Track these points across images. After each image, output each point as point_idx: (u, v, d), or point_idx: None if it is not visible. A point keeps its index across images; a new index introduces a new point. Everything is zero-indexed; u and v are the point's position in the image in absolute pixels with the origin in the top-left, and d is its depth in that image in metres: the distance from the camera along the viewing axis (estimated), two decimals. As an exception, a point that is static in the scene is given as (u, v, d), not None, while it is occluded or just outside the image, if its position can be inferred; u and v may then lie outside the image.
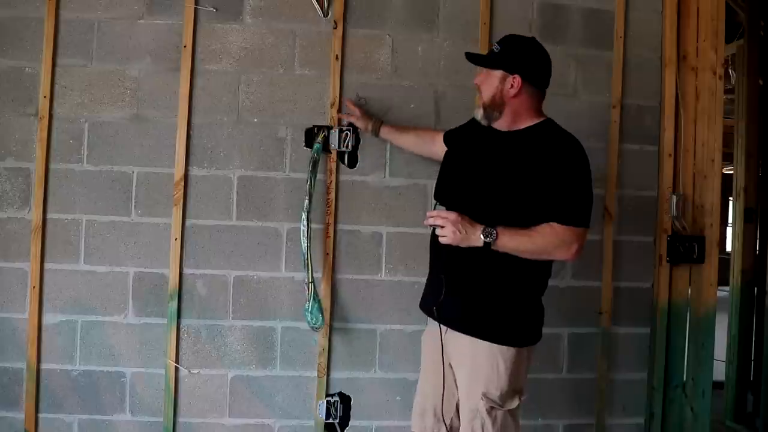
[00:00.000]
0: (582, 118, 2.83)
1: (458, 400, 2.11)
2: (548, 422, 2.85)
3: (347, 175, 2.75)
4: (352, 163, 2.76)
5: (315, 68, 2.75)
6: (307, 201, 2.60)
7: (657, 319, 2.88)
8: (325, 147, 2.71)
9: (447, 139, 2.41)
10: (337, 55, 2.73)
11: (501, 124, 2.07)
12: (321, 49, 2.75)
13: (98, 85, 2.66)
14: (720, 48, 2.91)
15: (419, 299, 2.24)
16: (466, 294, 2.01)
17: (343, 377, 2.75)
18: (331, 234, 2.73)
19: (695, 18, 2.91)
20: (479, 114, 2.08)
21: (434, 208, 2.02)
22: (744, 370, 4.03)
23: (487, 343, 1.98)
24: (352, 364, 2.75)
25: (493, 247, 1.91)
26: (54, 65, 2.63)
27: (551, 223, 1.92)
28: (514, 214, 1.95)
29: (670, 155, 2.88)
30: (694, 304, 2.91)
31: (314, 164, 2.65)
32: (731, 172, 4.28)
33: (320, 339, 2.72)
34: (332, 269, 2.73)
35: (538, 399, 2.82)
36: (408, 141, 2.62)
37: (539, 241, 1.92)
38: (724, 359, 4.01)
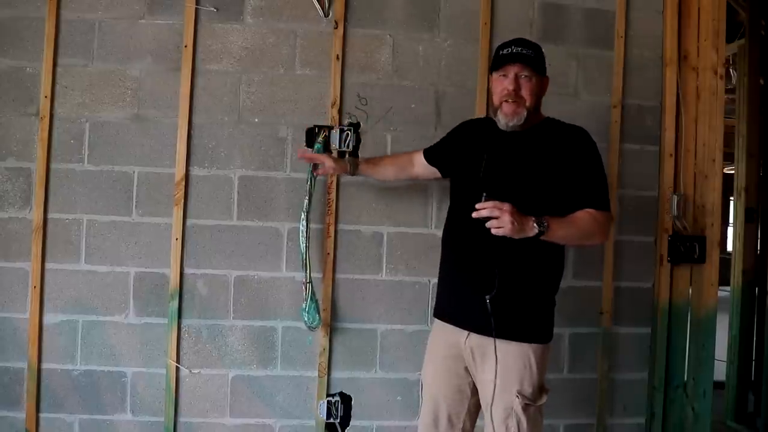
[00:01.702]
0: (583, 119, 2.69)
1: (471, 403, 2.14)
2: (549, 422, 2.77)
3: (348, 175, 2.70)
4: None
5: (316, 68, 2.74)
6: (306, 201, 2.58)
7: (658, 319, 2.87)
8: (326, 147, 2.70)
9: (431, 155, 2.42)
10: (337, 55, 2.73)
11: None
12: (322, 49, 2.74)
13: (99, 84, 2.66)
14: (721, 48, 2.90)
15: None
16: (509, 298, 2.01)
17: (343, 377, 2.74)
18: (332, 234, 2.72)
19: (696, 18, 2.90)
20: (521, 118, 2.06)
21: (482, 200, 1.89)
22: (745, 370, 4.03)
23: (519, 343, 2.01)
24: (353, 364, 2.75)
25: (543, 237, 1.92)
26: (55, 65, 2.63)
27: (587, 209, 2.00)
28: (552, 204, 1.99)
29: (671, 155, 2.88)
30: (695, 304, 2.91)
31: (315, 164, 2.61)
32: (732, 171, 4.27)
33: (321, 339, 2.72)
34: (333, 269, 2.73)
35: (539, 399, 2.83)
36: (387, 171, 2.56)
37: (584, 227, 1.99)
38: (725, 359, 4.01)
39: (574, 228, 1.98)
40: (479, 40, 2.78)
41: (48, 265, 2.63)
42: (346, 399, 2.74)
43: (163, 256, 2.67)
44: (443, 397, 2.16)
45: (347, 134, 2.73)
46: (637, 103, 2.90)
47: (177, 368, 2.67)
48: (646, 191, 2.91)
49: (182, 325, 2.68)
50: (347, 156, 2.62)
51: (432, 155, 2.44)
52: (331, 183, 2.73)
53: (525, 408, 2.00)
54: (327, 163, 2.51)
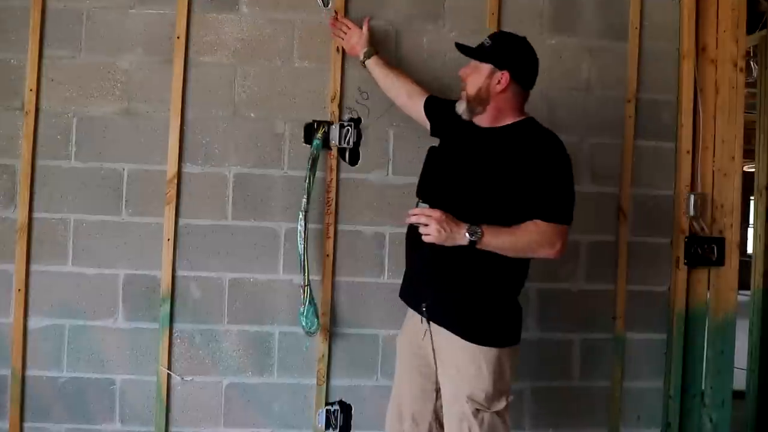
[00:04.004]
0: (596, 113, 2.86)
1: (437, 403, 2.19)
2: (560, 432, 2.85)
3: (348, 173, 2.75)
4: (354, 161, 2.76)
5: (315, 61, 2.74)
6: (305, 200, 2.60)
7: (674, 324, 2.87)
8: (325, 143, 2.71)
9: (429, 107, 2.47)
10: (338, 47, 2.73)
11: (483, 120, 2.15)
12: (321, 40, 2.74)
13: (87, 77, 2.66)
14: (741, 39, 2.90)
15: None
16: (450, 294, 2.09)
17: (343, 385, 2.75)
18: (332, 234, 2.73)
19: (715, 7, 2.89)
20: (462, 107, 2.16)
21: (417, 206, 2.06)
22: (766, 379, 4.00)
23: (469, 344, 2.05)
24: (353, 371, 2.75)
25: (477, 246, 1.97)
26: (41, 57, 2.62)
27: (535, 220, 2.00)
28: (498, 212, 2.02)
29: (688, 152, 2.88)
30: (713, 309, 2.91)
31: (313, 161, 2.64)
32: (752, 169, 4.25)
33: (320, 344, 2.72)
34: (332, 271, 2.73)
35: (549, 408, 2.84)
36: (389, 85, 2.60)
37: (524, 239, 2.00)
38: (745, 367, 3.98)
39: (512, 239, 2.00)
40: (487, 32, 2.68)
41: (33, 267, 2.62)
42: (346, 408, 2.74)
43: (154, 257, 2.67)
44: (407, 395, 2.24)
45: (348, 130, 2.73)
46: (653, 97, 2.90)
47: (168, 375, 2.67)
48: (661, 190, 2.91)
49: (174, 330, 2.68)
50: (366, 59, 2.62)
51: (431, 107, 2.46)
52: (331, 181, 2.73)
53: (476, 413, 2.04)
54: (354, 37, 2.62)
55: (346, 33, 2.65)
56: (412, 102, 2.54)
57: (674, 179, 2.91)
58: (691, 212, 2.87)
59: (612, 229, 2.88)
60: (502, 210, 2.03)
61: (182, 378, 2.69)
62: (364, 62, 2.62)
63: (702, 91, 2.88)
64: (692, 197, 2.86)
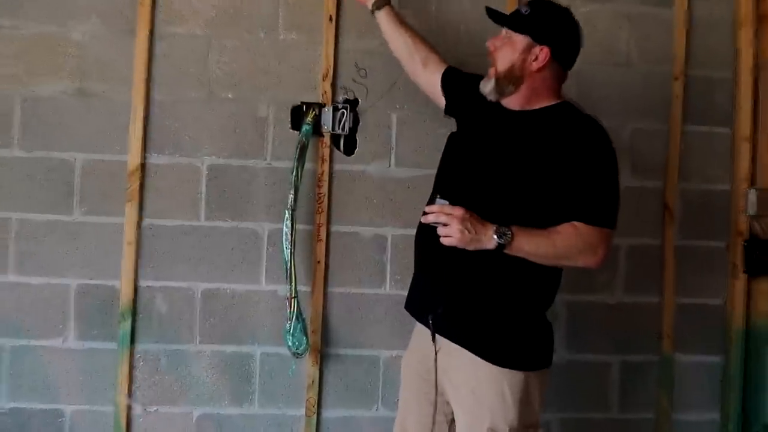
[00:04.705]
0: (636, 93, 2.73)
1: None
2: (597, 472, 2.74)
3: (343, 164, 2.63)
4: (350, 149, 2.64)
5: (304, 32, 2.61)
6: (291, 196, 2.48)
7: (731, 344, 2.75)
8: (316, 129, 2.59)
9: (448, 81, 2.31)
10: (331, 16, 2.60)
11: (513, 102, 2.05)
12: (311, 8, 2.61)
13: (32, 51, 2.52)
14: (812, 3, 2.79)
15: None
16: (470, 306, 1.99)
17: (337, 416, 2.63)
18: (323, 237, 2.61)
19: (778, -35, 2.80)
20: (489, 86, 2.05)
21: (433, 202, 1.94)
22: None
23: (490, 366, 1.94)
24: (349, 399, 2.63)
25: (506, 251, 1.88)
26: (-24, 26, 2.52)
27: (574, 222, 1.91)
28: (531, 212, 1.94)
29: (746, 139, 2.74)
30: (780, 326, 2.79)
31: (302, 150, 2.53)
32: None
33: (309, 368, 2.58)
34: (324, 281, 2.62)
35: (583, 444, 2.69)
36: (400, 42, 2.40)
37: (561, 244, 1.91)
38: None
39: (547, 243, 1.90)
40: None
41: (-34, 277, 2.53)
42: (340, 444, 2.63)
43: (112, 264, 2.54)
44: (413, 427, 2.13)
45: (343, 113, 2.62)
46: (705, 74, 2.76)
47: (129, 405, 2.54)
48: (715, 184, 2.78)
49: (136, 351, 2.55)
50: (377, 9, 2.41)
51: (451, 82, 2.30)
52: (322, 174, 2.60)
53: None
54: None
55: None
56: (426, 71, 2.37)
57: (730, 171, 2.78)
58: (751, 210, 2.73)
59: (656, 230, 2.74)
60: (536, 209, 1.92)
61: (145, 408, 2.56)
62: (374, 11, 2.44)
63: (763, 67, 2.75)
64: (752, 193, 2.73)
